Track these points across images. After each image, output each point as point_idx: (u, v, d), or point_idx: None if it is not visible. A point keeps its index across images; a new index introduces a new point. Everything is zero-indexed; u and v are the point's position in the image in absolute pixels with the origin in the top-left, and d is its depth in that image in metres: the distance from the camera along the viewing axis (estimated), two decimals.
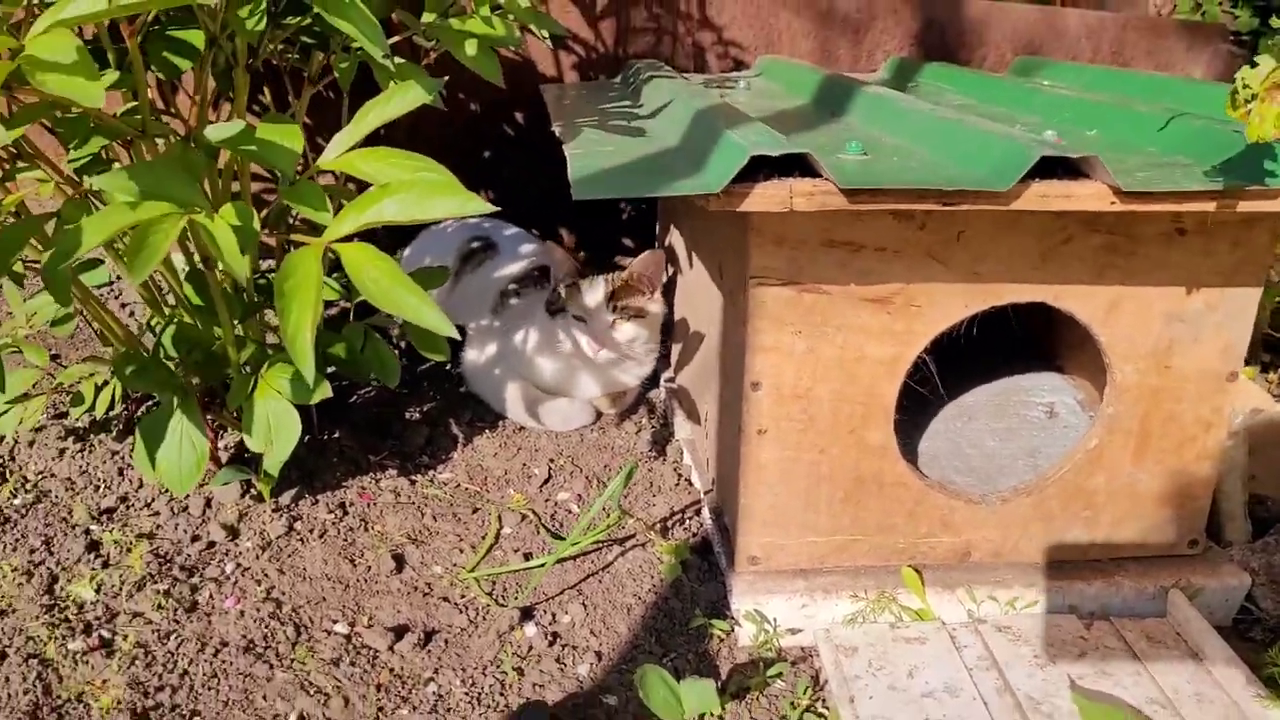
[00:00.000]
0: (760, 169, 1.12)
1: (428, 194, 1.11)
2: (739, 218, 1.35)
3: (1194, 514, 1.52)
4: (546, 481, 1.83)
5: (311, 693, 1.32)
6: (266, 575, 1.53)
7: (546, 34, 1.90)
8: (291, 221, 1.86)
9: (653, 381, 2.12)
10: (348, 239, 1.14)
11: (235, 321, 1.53)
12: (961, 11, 2.44)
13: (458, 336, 1.08)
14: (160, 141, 1.35)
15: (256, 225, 1.15)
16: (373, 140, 1.25)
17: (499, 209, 1.08)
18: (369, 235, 1.11)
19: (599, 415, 2.03)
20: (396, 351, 2.25)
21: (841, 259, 1.32)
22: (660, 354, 2.04)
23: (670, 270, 2.10)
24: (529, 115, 2.44)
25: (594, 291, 1.87)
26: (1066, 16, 2.43)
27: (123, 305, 2.36)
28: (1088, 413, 1.74)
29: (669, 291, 2.10)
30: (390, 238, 2.44)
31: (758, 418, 1.41)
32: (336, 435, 1.87)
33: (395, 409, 2.02)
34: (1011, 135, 1.18)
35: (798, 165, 1.13)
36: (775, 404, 1.40)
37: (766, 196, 1.10)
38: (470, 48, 1.59)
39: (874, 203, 1.10)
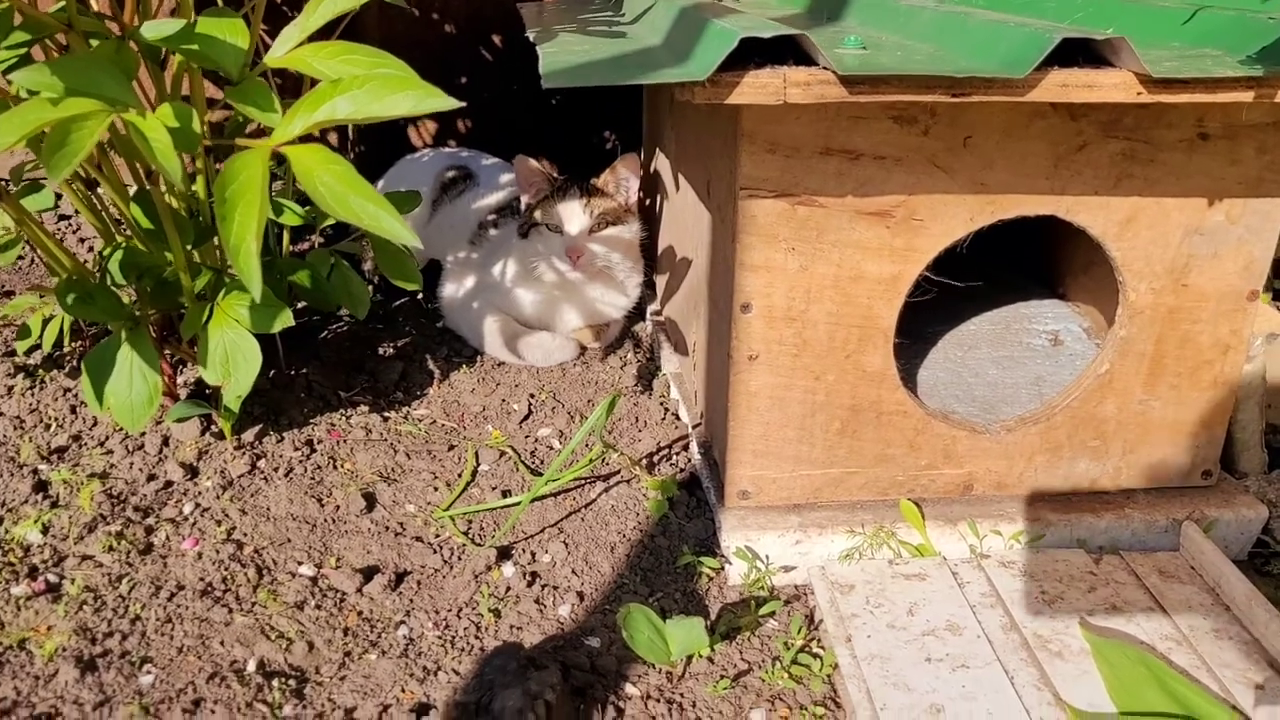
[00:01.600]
0: (751, 59, 1.02)
1: (384, 89, 1.00)
2: (729, 123, 1.25)
3: (1209, 443, 1.44)
4: (527, 418, 1.74)
5: (273, 637, 1.24)
6: (227, 515, 1.44)
7: None
8: None
9: (638, 315, 2.02)
10: (302, 141, 1.04)
11: (189, 246, 1.43)
12: None
13: (419, 245, 0.98)
14: (96, 44, 1.24)
15: (198, 127, 1.04)
16: None
17: (462, 104, 0.98)
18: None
19: (582, 350, 1.94)
20: (371, 287, 2.17)
21: (839, 168, 1.22)
22: (645, 284, 1.95)
23: (656, 198, 2.00)
24: (507, 38, 2.32)
25: (568, 200, 1.77)
26: None
27: (81, 240, 2.24)
28: (1094, 340, 1.66)
29: (653, 219, 2.00)
30: (362, 169, 2.32)
31: (748, 342, 1.31)
32: (305, 371, 1.77)
33: (369, 345, 1.93)
34: (1026, 23, 1.08)
35: (792, 57, 1.03)
36: (767, 327, 1.31)
37: (758, 86, 1.00)
38: None
39: (876, 94, 1.00)
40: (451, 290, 2.01)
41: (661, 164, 1.92)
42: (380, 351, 1.91)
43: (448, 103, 0.99)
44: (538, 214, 1.82)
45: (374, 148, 2.36)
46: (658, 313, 1.98)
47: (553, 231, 1.79)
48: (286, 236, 1.76)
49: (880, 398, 1.37)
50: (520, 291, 1.90)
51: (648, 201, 2.03)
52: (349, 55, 1.09)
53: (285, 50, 1.11)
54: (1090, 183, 1.26)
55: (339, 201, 0.98)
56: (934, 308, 1.49)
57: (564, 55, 1.14)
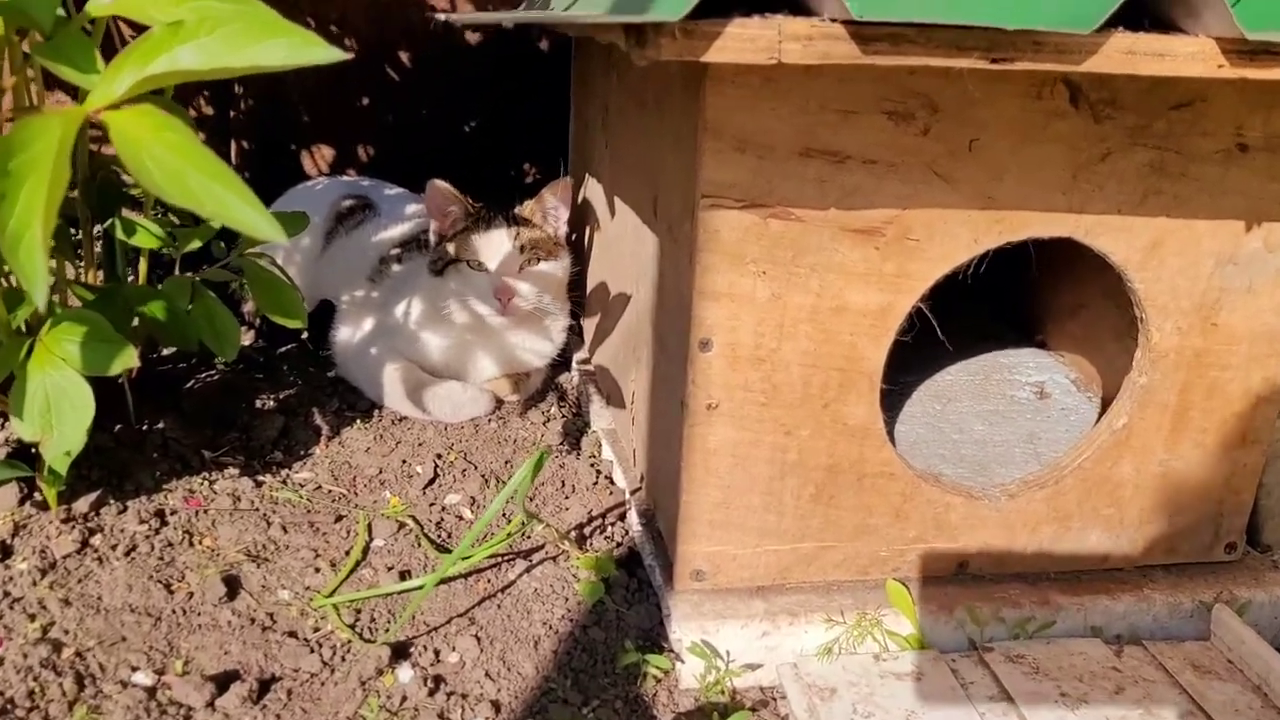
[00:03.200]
0: (731, 11, 0.79)
1: (244, 36, 0.75)
2: (687, 115, 1.02)
3: (1235, 510, 1.24)
4: (432, 482, 1.46)
5: None
6: (45, 608, 1.13)
7: None
8: None
9: (563, 364, 1.77)
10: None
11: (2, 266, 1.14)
12: None
13: (284, 239, 0.72)
14: None
15: None
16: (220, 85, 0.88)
17: (346, 56, 0.73)
18: None
19: (498, 404, 1.67)
20: (253, 331, 1.88)
21: (820, 174, 1.00)
22: (571, 328, 1.70)
23: (585, 232, 1.76)
24: (416, 57, 2.08)
25: (494, 233, 1.53)
26: None
27: None
28: (1084, 393, 1.46)
29: (582, 252, 1.76)
30: None
31: (706, 387, 1.07)
32: (161, 426, 1.47)
33: (244, 396, 1.63)
34: None
35: (788, 8, 0.81)
36: (729, 369, 1.07)
37: (745, 39, 0.77)
38: None
39: (896, 54, 0.77)
40: (346, 334, 1.73)
41: (593, 191, 1.69)
42: (258, 404, 1.62)
43: (330, 54, 0.73)
44: (451, 247, 1.56)
45: (261, 174, 2.08)
46: (586, 361, 1.73)
47: (474, 269, 1.54)
48: (144, 263, 1.47)
49: (863, 457, 1.14)
50: (427, 335, 1.63)
51: (574, 236, 1.79)
52: (202, 0, 0.83)
53: None
54: (1113, 199, 1.06)
55: (173, 181, 0.71)
56: (903, 354, 1.27)
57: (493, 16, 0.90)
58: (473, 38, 2.06)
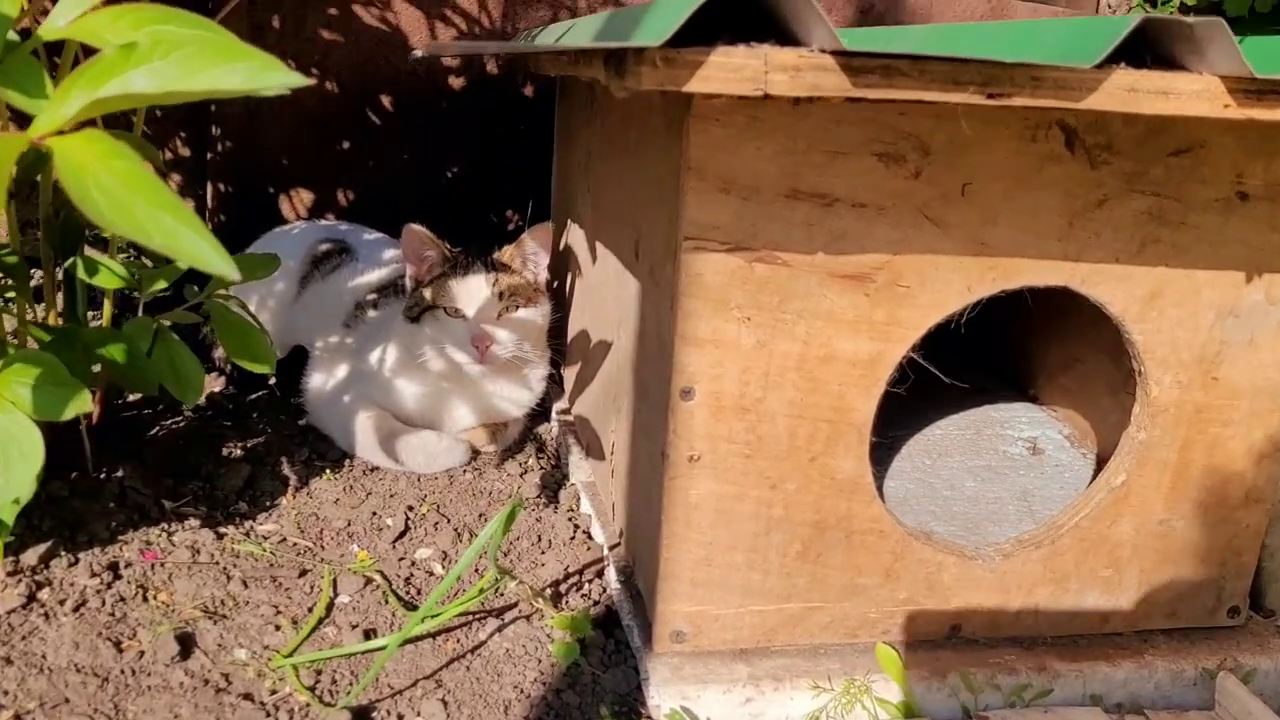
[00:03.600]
0: (716, 40, 0.75)
1: (200, 59, 0.70)
2: (670, 155, 0.98)
3: (1237, 573, 1.19)
4: (403, 535, 1.40)
5: None
6: None
7: None
8: None
9: (542, 414, 1.72)
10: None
11: None
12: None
13: (236, 276, 0.67)
14: None
15: None
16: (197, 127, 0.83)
17: (309, 81, 0.69)
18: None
19: (474, 454, 1.62)
20: (223, 377, 1.82)
21: (808, 217, 0.96)
22: (550, 377, 1.65)
23: (566, 279, 1.72)
24: (398, 101, 2.05)
25: (472, 279, 1.49)
26: (1015, 9, 2.18)
27: None
28: (1078, 449, 1.42)
29: (563, 299, 1.72)
30: (224, 243, 1.99)
31: (689, 439, 1.02)
32: (120, 475, 1.40)
33: (210, 445, 1.57)
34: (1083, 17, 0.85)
35: (774, 36, 0.77)
36: (713, 419, 1.02)
37: (730, 69, 0.73)
38: None
39: (889, 87, 0.74)
40: (319, 380, 1.68)
41: (574, 236, 1.65)
42: (224, 452, 1.56)
43: (291, 79, 0.69)
44: (428, 293, 1.52)
45: (238, 217, 2.04)
46: (566, 411, 1.68)
47: (451, 316, 1.49)
48: (109, 305, 1.42)
49: (851, 512, 1.08)
50: (402, 383, 1.58)
51: (555, 283, 1.75)
52: (162, 25, 0.79)
53: (70, 17, 0.81)
54: (1110, 247, 1.03)
55: (120, 211, 0.67)
56: (892, 407, 1.23)
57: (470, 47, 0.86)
58: (456, 83, 2.03)
